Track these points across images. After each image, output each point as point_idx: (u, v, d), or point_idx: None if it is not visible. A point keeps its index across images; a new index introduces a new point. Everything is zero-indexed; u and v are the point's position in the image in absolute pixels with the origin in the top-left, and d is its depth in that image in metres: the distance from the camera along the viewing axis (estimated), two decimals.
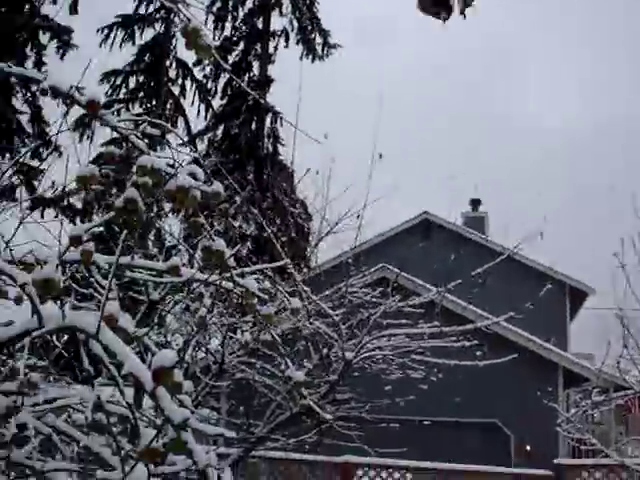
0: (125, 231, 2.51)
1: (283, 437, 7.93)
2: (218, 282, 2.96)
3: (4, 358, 3.03)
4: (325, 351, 7.33)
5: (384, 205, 9.92)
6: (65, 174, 4.07)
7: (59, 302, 2.13)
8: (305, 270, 10.90)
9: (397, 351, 7.80)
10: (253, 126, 22.46)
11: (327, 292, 8.17)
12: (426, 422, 13.19)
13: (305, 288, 6.84)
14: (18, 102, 20.19)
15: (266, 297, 3.04)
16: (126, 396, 2.22)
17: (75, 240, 2.62)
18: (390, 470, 9.08)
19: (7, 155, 18.12)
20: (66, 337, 4.84)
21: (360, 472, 9.08)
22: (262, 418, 7.58)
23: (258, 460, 8.79)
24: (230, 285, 2.91)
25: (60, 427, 2.75)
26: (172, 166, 2.58)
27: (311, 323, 6.99)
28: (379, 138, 10.00)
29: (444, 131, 49.21)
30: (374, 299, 8.21)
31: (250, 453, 7.44)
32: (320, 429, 7.32)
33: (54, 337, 4.06)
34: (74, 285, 5.21)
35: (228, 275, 2.79)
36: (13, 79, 17.86)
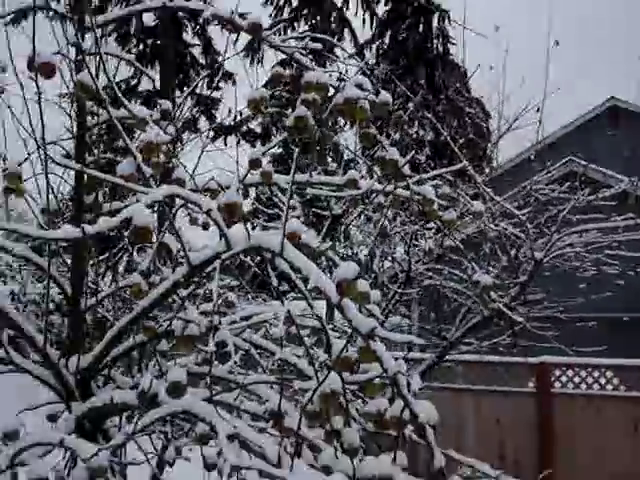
0: (300, 149, 2.53)
1: (476, 340, 7.93)
2: (396, 191, 2.94)
3: (202, 281, 3.23)
4: (513, 252, 7.15)
5: (565, 95, 9.35)
6: (239, 101, 4.18)
7: (245, 224, 2.21)
8: (486, 171, 10.61)
9: (590, 247, 7.45)
10: (420, 28, 21.83)
11: (511, 192, 7.90)
12: (625, 318, 12.65)
13: (487, 189, 6.64)
14: (189, 36, 20.92)
15: (446, 202, 2.98)
16: (315, 309, 2.29)
17: (254, 163, 2.69)
18: (589, 369, 8.81)
19: (185, 89, 18.98)
20: (258, 257, 5.07)
21: (558, 372, 8.90)
22: (453, 323, 7.61)
23: (453, 364, 8.87)
24: (407, 193, 2.87)
25: (257, 342, 2.91)
26: (341, 80, 2.56)
27: (496, 225, 6.81)
28: (554, 26, 9.36)
29: (622, 14, 44.93)
30: (562, 195, 7.83)
31: (444, 357, 7.53)
32: (513, 331, 7.22)
33: (248, 258, 4.28)
34: (260, 207, 5.42)
35: (404, 184, 2.76)
36: (180, 14, 18.48)
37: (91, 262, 3.48)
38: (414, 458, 2.07)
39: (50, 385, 2.90)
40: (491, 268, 7.02)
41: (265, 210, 5.18)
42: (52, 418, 3.29)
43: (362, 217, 6.85)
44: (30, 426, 2.52)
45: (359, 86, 2.46)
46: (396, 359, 1.91)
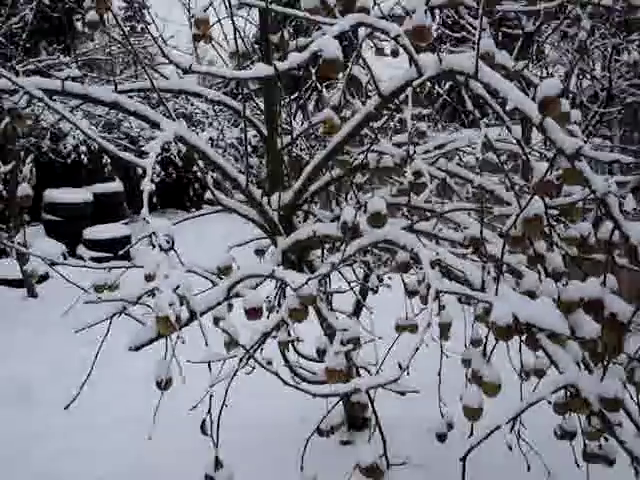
0: None
1: None
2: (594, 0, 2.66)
3: (393, 113, 3.19)
4: None
5: None
6: None
7: (434, 49, 2.11)
8: None
9: None
10: None
11: None
12: None
13: None
14: None
15: None
16: (514, 132, 2.20)
17: None
18: None
19: None
20: (447, 85, 4.91)
21: None
22: None
23: None
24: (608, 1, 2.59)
25: (453, 170, 2.87)
26: None
27: None
28: None
29: None
30: None
31: None
32: None
33: (436, 86, 4.15)
34: (446, 31, 5.18)
35: None
36: None
37: (282, 103, 3.54)
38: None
39: (255, 222, 3.07)
40: None
41: (451, 34, 4.94)
42: (259, 252, 3.52)
43: (557, 33, 6.34)
44: (241, 262, 2.70)
45: None
46: (605, 180, 1.80)
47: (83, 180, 10.83)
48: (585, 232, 2.17)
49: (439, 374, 2.79)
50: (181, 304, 1.76)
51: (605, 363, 1.71)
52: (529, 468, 3.14)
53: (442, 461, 3.59)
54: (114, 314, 1.98)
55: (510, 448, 1.83)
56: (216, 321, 2.31)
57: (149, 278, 1.91)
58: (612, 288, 1.83)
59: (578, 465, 2.58)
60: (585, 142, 1.86)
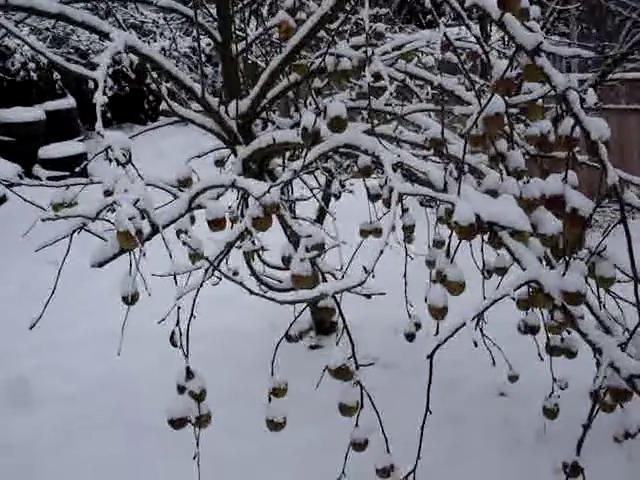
0: None
1: None
2: None
3: (349, 13, 3.10)
4: None
5: None
6: None
7: None
8: None
9: None
10: None
11: None
12: None
13: None
14: None
15: None
16: (473, 30, 2.15)
17: None
18: None
19: None
20: None
21: None
22: (617, 40, 7.00)
23: (616, 83, 8.32)
24: None
25: (412, 71, 2.82)
26: None
27: None
28: None
29: None
30: None
31: (607, 77, 7.05)
32: None
33: None
34: None
35: None
36: None
37: (235, 8, 3.42)
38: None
39: (213, 132, 3.02)
40: None
41: None
42: (219, 163, 3.47)
43: None
44: (201, 174, 2.66)
45: None
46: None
47: (34, 98, 10.51)
48: (545, 130, 2.17)
49: (404, 276, 2.83)
50: (142, 218, 1.73)
51: (567, 258, 1.74)
52: (494, 362, 3.25)
53: (410, 360, 3.70)
54: (73, 231, 1.95)
55: (475, 344, 1.87)
56: (179, 234, 2.29)
57: (108, 193, 1.87)
58: (573, 184, 1.84)
59: (542, 358, 2.68)
60: (544, 38, 1.83)
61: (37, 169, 9.55)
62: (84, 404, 3.88)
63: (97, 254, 1.82)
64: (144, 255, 1.58)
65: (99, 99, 1.89)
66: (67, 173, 8.98)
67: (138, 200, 1.64)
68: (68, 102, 10.87)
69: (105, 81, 1.99)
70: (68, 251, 1.99)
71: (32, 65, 10.48)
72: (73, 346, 4.52)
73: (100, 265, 1.82)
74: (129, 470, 3.34)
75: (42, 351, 4.43)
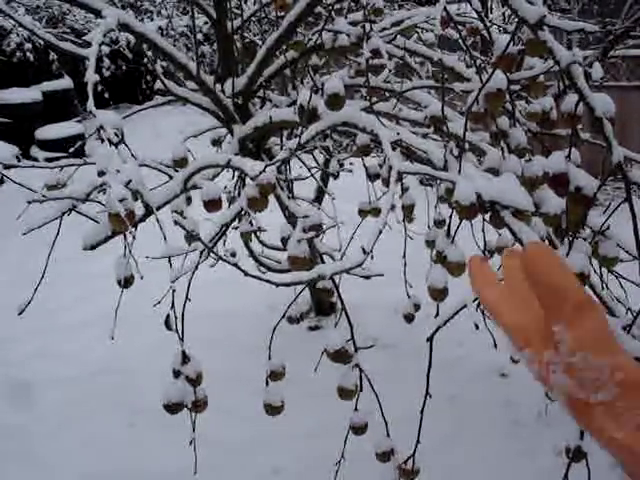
0: None
1: None
2: None
3: None
4: None
5: None
6: None
7: None
8: None
9: None
10: None
11: None
12: None
13: None
14: None
15: None
16: (474, 4, 2.10)
17: None
18: None
19: None
20: None
21: None
22: (619, 15, 6.92)
23: (618, 60, 8.24)
24: None
25: (412, 47, 2.76)
26: None
27: None
28: None
29: None
30: None
31: (608, 53, 6.99)
32: None
33: None
34: None
35: None
36: None
37: None
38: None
39: (210, 110, 2.96)
40: None
41: None
42: (216, 143, 3.42)
43: None
44: (198, 154, 2.62)
45: None
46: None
47: (31, 79, 10.43)
48: (547, 107, 2.12)
49: (404, 256, 2.79)
50: (135, 199, 1.69)
51: (570, 238, 1.70)
52: (495, 344, 3.22)
53: (410, 341, 3.67)
54: (63, 213, 1.90)
55: (477, 327, 1.84)
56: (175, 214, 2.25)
57: (102, 174, 1.83)
58: (576, 162, 1.80)
59: None
60: (544, 16, 1.78)
61: (34, 150, 9.49)
62: (83, 387, 3.86)
63: (89, 236, 1.78)
64: (133, 238, 1.54)
65: (91, 77, 1.84)
66: (65, 154, 8.94)
67: (130, 181, 1.60)
68: (65, 82, 10.78)
69: (102, 61, 1.95)
70: (58, 233, 1.95)
71: (28, 46, 10.39)
72: (72, 329, 4.50)
73: (92, 248, 1.77)
74: (128, 453, 3.32)
75: (41, 335, 4.40)
